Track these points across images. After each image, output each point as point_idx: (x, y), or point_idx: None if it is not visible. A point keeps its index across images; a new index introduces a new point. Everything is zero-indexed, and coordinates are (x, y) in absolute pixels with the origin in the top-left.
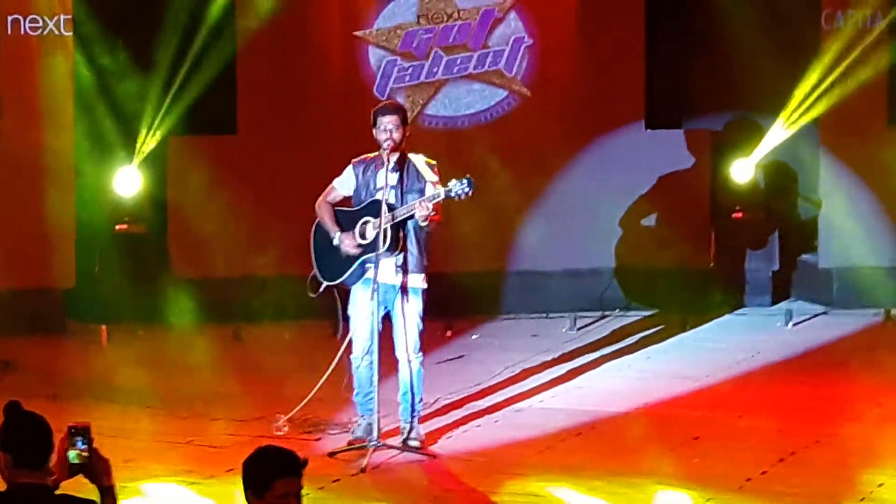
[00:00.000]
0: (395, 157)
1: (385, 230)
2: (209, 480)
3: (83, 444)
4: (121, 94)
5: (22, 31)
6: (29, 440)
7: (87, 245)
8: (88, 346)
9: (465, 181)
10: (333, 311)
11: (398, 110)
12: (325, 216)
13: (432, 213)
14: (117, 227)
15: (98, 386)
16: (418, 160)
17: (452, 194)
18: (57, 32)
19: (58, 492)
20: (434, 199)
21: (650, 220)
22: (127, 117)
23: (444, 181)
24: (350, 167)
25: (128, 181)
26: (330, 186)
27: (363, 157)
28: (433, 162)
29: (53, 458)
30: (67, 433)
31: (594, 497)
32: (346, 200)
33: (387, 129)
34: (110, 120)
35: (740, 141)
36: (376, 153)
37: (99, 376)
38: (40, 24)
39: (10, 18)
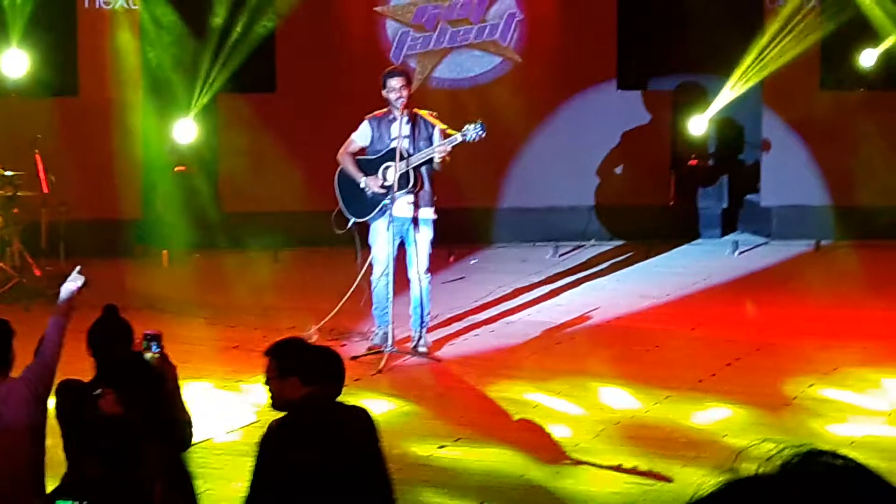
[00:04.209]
0: (406, 111)
1: (408, 172)
2: (251, 380)
3: (157, 347)
4: (180, 57)
5: (97, 6)
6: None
7: (151, 183)
8: (152, 267)
9: (478, 125)
10: (354, 241)
11: (404, 72)
12: (348, 165)
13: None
14: (176, 168)
15: (160, 300)
16: (423, 113)
17: (469, 137)
18: (126, 7)
19: None
20: (453, 142)
21: (621, 166)
22: (185, 77)
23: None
24: (366, 122)
25: (185, 131)
26: (349, 139)
27: (375, 113)
28: (434, 112)
29: None
30: (143, 338)
31: (567, 400)
32: (361, 151)
33: (397, 88)
34: (171, 80)
35: (696, 100)
36: (386, 109)
37: (161, 292)
38: None
39: None
